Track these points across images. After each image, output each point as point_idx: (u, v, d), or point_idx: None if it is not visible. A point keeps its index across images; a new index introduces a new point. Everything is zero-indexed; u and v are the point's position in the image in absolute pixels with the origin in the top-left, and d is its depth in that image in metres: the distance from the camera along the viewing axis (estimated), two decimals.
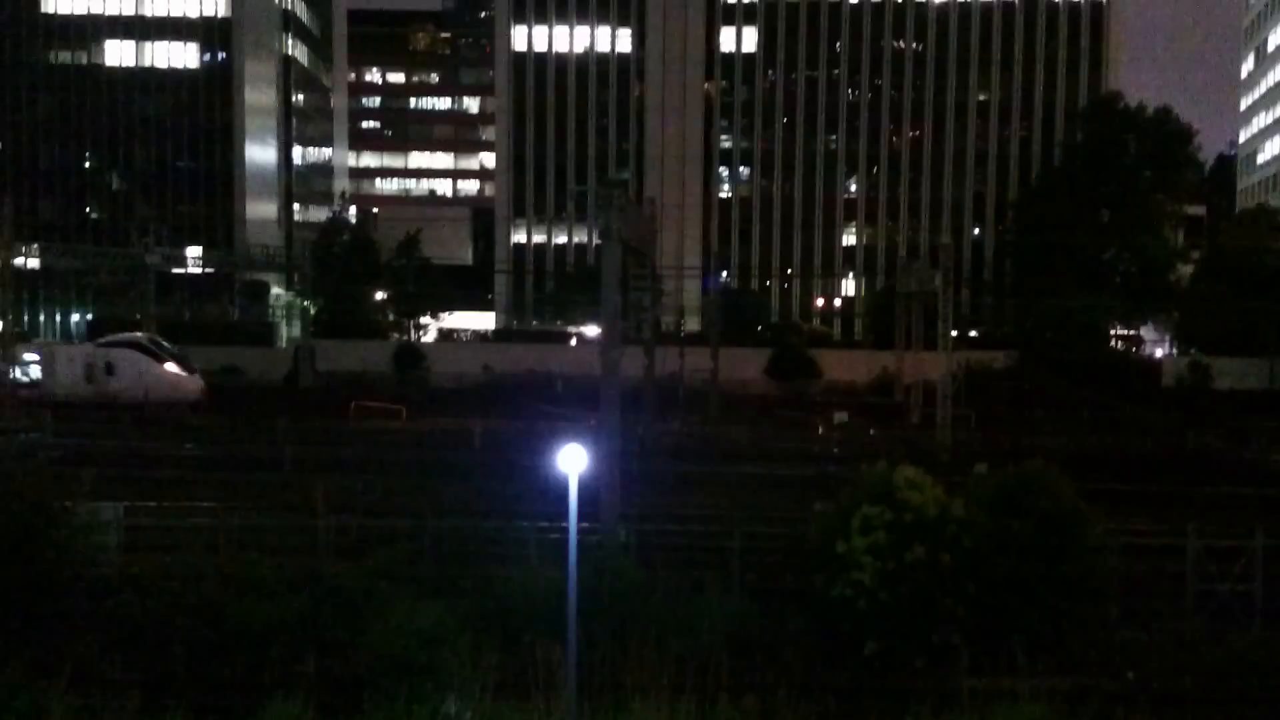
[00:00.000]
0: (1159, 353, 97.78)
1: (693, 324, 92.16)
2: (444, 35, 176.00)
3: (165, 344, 70.98)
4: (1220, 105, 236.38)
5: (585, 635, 21.07)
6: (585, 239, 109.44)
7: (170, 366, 68.70)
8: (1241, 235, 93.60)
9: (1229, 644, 24.31)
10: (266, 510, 32.96)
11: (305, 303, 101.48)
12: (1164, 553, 28.78)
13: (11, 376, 66.47)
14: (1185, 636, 25.05)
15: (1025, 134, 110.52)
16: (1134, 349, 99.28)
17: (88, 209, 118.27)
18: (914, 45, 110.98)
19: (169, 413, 62.86)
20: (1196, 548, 27.46)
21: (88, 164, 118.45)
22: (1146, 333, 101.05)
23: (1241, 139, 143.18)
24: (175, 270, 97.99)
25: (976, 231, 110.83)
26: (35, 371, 68.92)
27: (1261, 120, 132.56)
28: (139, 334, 73.17)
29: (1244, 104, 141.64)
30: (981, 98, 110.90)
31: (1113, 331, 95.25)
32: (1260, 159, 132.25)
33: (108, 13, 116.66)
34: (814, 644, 23.83)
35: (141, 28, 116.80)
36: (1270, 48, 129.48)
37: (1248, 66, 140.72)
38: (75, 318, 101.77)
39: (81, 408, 62.06)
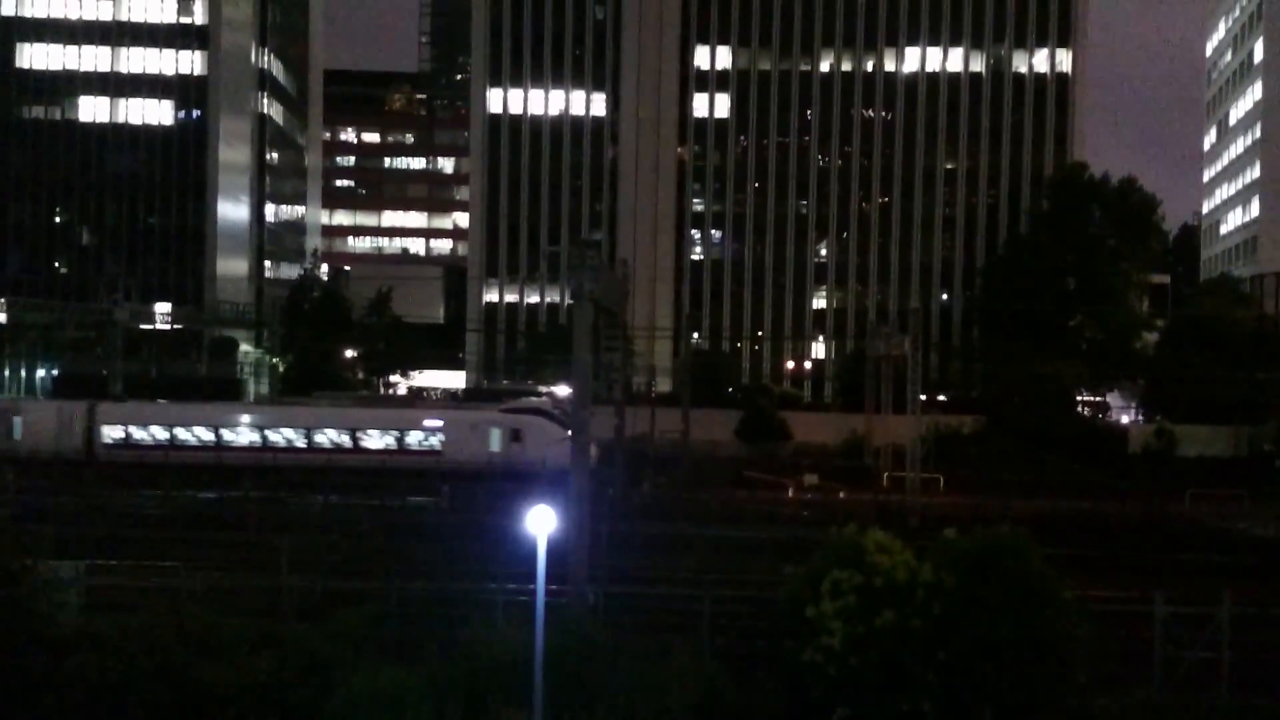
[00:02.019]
0: (1125, 419, 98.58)
1: (664, 385, 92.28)
2: (419, 96, 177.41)
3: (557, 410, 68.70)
4: (1184, 176, 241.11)
5: (551, 700, 20.83)
6: (557, 299, 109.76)
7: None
8: (1206, 304, 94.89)
9: (1196, 712, 24.26)
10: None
11: (274, 359, 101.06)
12: (1131, 619, 28.81)
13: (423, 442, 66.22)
14: (1152, 704, 24.99)
15: (992, 202, 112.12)
16: (1100, 415, 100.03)
17: (56, 264, 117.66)
18: (883, 114, 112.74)
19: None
20: (1163, 614, 27.50)
21: (58, 218, 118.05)
22: (1113, 399, 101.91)
23: (1205, 209, 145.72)
24: (143, 326, 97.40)
25: (945, 297, 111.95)
26: (434, 440, 66.94)
27: (1224, 191, 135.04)
28: (540, 399, 70.90)
29: (1207, 175, 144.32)
30: (949, 166, 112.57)
31: (1079, 398, 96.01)
32: (1223, 229, 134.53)
33: (83, 69, 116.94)
34: (784, 710, 23.61)
35: (116, 84, 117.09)
36: (1231, 121, 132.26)
37: (1210, 139, 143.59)
38: (40, 373, 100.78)
39: (484, 478, 60.18)
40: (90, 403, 70.79)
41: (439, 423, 67.86)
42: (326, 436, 67.61)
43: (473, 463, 63.39)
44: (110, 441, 68.88)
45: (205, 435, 69.00)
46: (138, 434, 69.15)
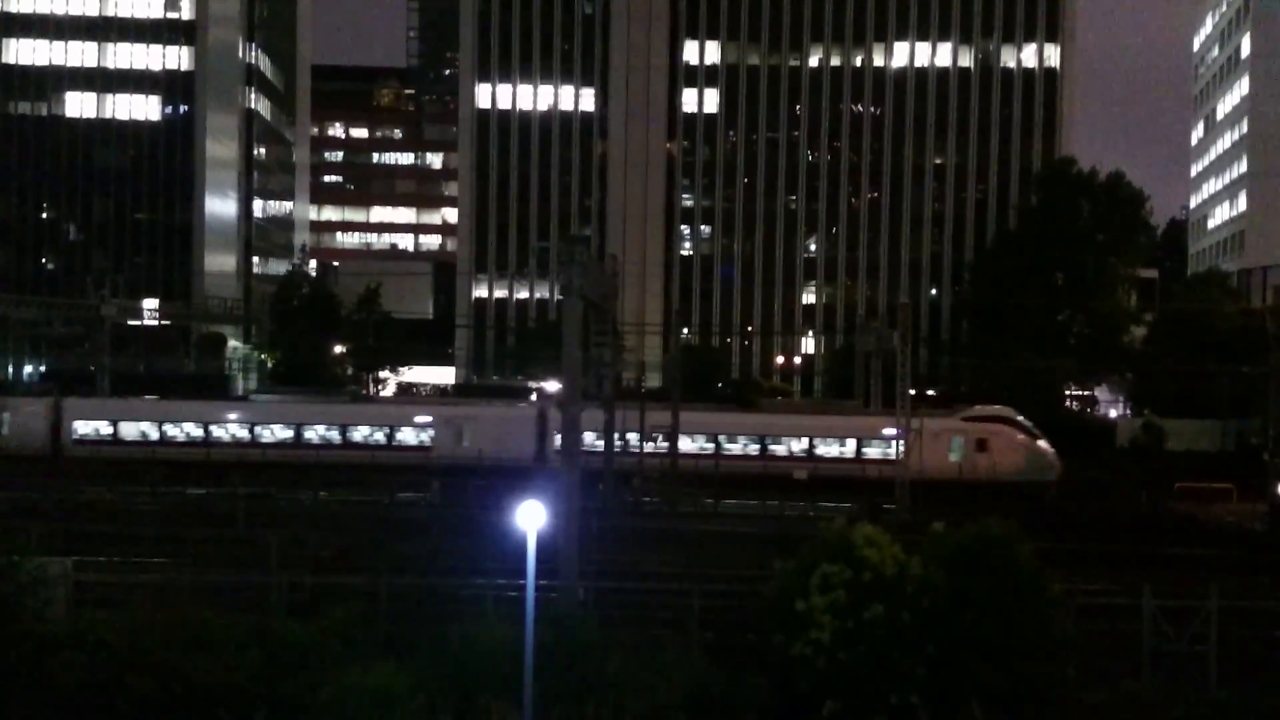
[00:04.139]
0: (1113, 413, 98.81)
1: (653, 381, 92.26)
2: (408, 92, 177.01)
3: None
4: (1172, 171, 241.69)
5: (541, 695, 20.83)
6: (546, 294, 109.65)
7: (1043, 443, 62.04)
8: (1193, 298, 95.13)
9: (1184, 705, 24.36)
10: None
11: (262, 355, 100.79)
12: (1119, 612, 28.91)
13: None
14: (1141, 697, 25.09)
15: (981, 197, 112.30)
16: (1088, 410, 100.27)
17: (44, 259, 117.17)
18: (872, 109, 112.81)
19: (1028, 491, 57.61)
20: (1151, 608, 27.60)
21: (45, 214, 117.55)
22: (1101, 393, 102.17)
23: (1192, 204, 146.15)
24: (131, 322, 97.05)
25: (934, 291, 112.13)
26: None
27: (1211, 186, 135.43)
28: (1002, 408, 66.50)
29: (1194, 170, 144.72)
30: (938, 161, 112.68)
31: (1067, 392, 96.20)
32: (1211, 223, 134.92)
33: (69, 64, 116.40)
34: (773, 704, 23.65)
35: (103, 79, 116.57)
36: (1219, 116, 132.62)
37: (1198, 134, 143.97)
38: (28, 369, 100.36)
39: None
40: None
41: (892, 431, 62.83)
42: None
43: (934, 474, 59.60)
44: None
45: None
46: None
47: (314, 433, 66.69)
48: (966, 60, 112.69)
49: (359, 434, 66.70)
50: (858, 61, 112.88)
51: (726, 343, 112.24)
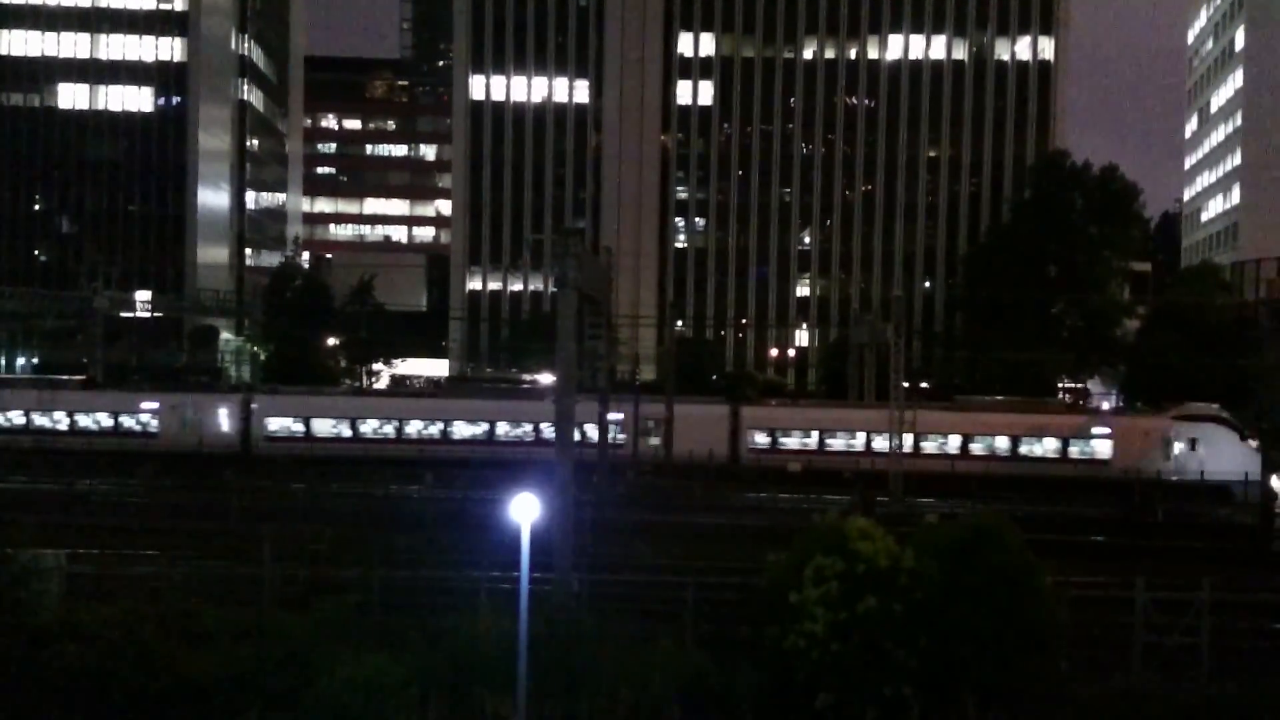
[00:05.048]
0: (1106, 406, 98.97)
1: (648, 373, 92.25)
2: (401, 83, 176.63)
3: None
4: (1165, 164, 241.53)
5: (536, 687, 20.85)
6: (541, 287, 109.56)
7: (1252, 443, 60.04)
8: (1186, 291, 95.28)
9: (1177, 697, 24.43)
10: None
11: (255, 348, 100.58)
12: (1112, 605, 28.98)
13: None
14: (1133, 690, 25.15)
15: (975, 189, 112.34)
16: (1081, 402, 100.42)
17: (36, 251, 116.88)
18: (866, 102, 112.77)
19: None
20: (1144, 600, 27.66)
21: (37, 206, 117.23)
22: (1094, 386, 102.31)
23: (1186, 197, 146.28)
24: (124, 314, 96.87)
25: (927, 284, 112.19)
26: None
27: (1205, 179, 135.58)
28: (1204, 405, 65.43)
29: (1188, 163, 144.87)
30: (932, 154, 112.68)
31: (1061, 384, 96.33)
32: (1204, 216, 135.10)
33: (61, 55, 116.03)
34: (767, 696, 23.69)
35: (95, 71, 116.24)
36: (1213, 109, 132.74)
37: (1191, 127, 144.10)
38: (20, 361, 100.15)
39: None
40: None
41: (1103, 429, 62.82)
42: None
43: (1145, 473, 59.26)
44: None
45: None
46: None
47: (504, 429, 66.10)
48: (960, 53, 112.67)
49: (550, 431, 66.36)
50: (852, 54, 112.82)
51: (720, 335, 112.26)
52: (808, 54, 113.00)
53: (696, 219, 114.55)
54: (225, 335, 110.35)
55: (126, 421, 68.55)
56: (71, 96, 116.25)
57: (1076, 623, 26.15)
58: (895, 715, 23.02)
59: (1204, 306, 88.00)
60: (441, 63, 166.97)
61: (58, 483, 54.64)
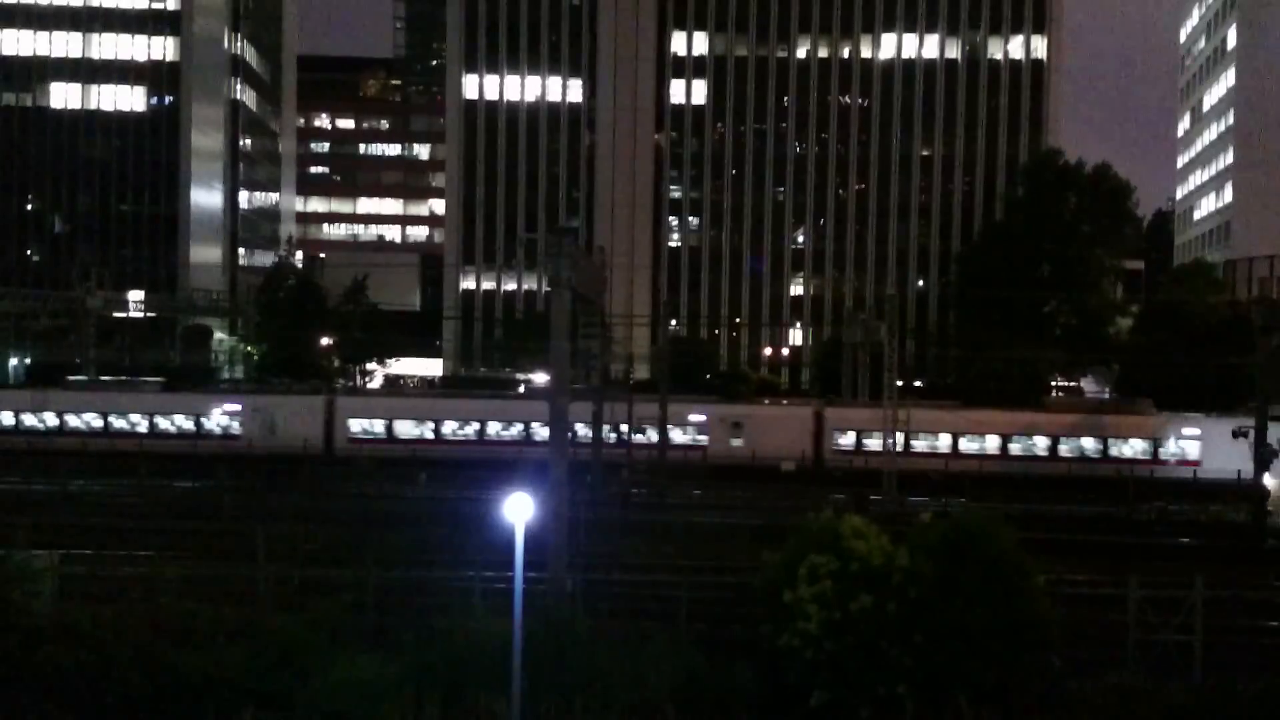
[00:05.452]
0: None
1: (642, 372, 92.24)
2: (394, 82, 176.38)
3: None
4: (1158, 162, 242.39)
5: (530, 687, 20.84)
6: (535, 286, 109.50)
7: None
8: (1179, 289, 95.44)
9: (1170, 695, 24.47)
10: None
11: (248, 348, 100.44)
12: (1106, 603, 29.04)
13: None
14: (1127, 687, 25.20)
15: (968, 188, 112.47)
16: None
17: (28, 251, 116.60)
18: (859, 100, 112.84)
19: None
20: (1137, 598, 27.72)
21: (30, 206, 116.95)
22: (1087, 384, 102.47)
23: (1178, 195, 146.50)
24: (116, 314, 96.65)
25: (921, 283, 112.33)
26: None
27: (1197, 177, 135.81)
28: None
29: (1180, 161, 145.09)
30: (925, 152, 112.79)
31: (1054, 383, 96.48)
32: (1196, 215, 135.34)
33: (54, 55, 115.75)
34: (761, 695, 23.70)
35: (88, 70, 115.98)
36: (1205, 107, 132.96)
37: (1184, 125, 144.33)
38: (13, 361, 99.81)
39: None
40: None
41: (1194, 430, 62.63)
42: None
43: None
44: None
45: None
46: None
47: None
48: (953, 52, 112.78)
49: (637, 435, 65.36)
50: (845, 53, 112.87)
51: (715, 334, 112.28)
52: (801, 53, 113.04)
53: (690, 218, 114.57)
54: (218, 335, 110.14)
55: (208, 423, 68.40)
56: (64, 96, 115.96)
57: (1071, 619, 26.17)
58: (889, 713, 23.05)
59: (1196, 305, 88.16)
60: (435, 62, 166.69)
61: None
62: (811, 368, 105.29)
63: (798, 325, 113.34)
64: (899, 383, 63.03)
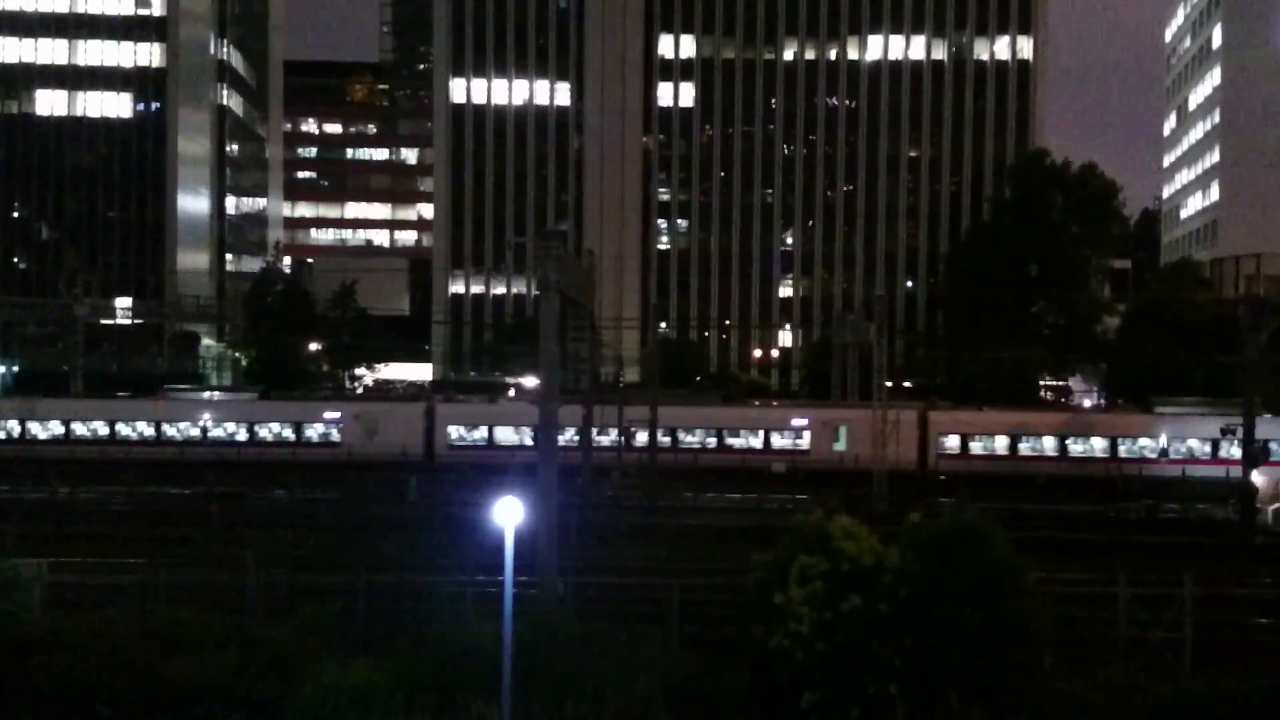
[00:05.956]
0: (1087, 403, 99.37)
1: (631, 375, 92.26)
2: (381, 87, 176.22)
3: None
4: (1144, 161, 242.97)
5: (521, 691, 20.81)
6: (524, 290, 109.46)
7: None
8: (1166, 288, 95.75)
9: (1159, 692, 24.54)
10: None
11: (236, 354, 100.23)
12: (1095, 601, 29.11)
13: None
14: (1117, 685, 25.27)
15: (955, 188, 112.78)
16: (1063, 400, 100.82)
17: (15, 259, 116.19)
18: (847, 102, 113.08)
19: None
20: (1127, 596, 27.80)
21: (16, 213, 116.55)
22: (1075, 383, 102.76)
23: (1165, 194, 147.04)
24: (104, 321, 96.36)
25: (909, 284, 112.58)
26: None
27: (1184, 176, 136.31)
28: None
29: (1167, 160, 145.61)
30: (912, 153, 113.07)
31: (1042, 382, 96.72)
32: (1183, 214, 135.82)
33: (40, 61, 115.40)
34: (753, 697, 23.70)
35: (74, 77, 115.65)
36: (1191, 106, 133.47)
37: (1170, 124, 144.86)
38: (0, 369, 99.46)
39: None
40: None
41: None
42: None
43: None
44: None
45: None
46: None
47: (693, 437, 65.97)
48: (940, 53, 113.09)
49: (736, 440, 65.59)
50: (832, 55, 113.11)
51: (704, 336, 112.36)
52: (788, 55, 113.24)
53: (679, 220, 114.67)
54: (206, 341, 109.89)
55: (308, 431, 68.36)
56: (50, 103, 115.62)
57: (1061, 618, 26.24)
58: (880, 714, 23.06)
59: (1184, 303, 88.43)
60: (422, 66, 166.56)
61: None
62: (801, 369, 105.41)
63: (787, 327, 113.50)
64: (888, 383, 63.12)
